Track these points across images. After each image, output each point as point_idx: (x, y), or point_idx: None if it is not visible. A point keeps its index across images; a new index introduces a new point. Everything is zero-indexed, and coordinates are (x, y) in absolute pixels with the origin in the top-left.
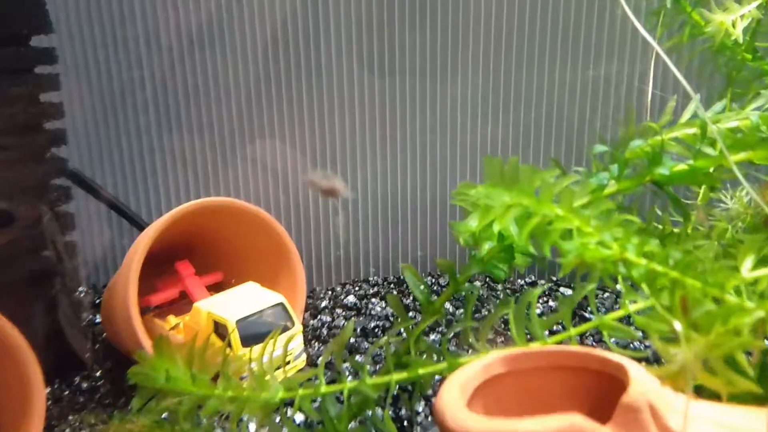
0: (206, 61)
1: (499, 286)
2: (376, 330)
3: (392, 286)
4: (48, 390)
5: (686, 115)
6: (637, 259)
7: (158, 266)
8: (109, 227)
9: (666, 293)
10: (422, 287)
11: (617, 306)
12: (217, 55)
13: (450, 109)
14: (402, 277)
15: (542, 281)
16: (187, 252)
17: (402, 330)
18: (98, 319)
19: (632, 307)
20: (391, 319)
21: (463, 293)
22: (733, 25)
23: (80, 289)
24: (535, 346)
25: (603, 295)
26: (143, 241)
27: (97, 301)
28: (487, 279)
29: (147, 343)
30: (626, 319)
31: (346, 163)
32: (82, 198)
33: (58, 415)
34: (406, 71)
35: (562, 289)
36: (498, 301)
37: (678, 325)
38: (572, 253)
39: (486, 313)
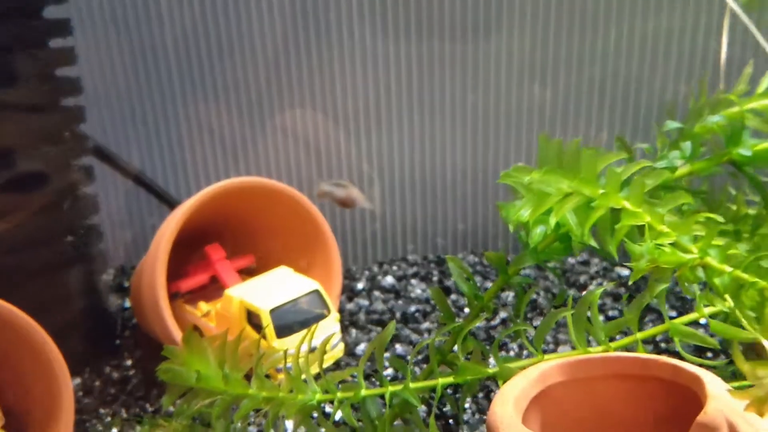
0: (231, 25)
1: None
2: (417, 315)
3: (432, 265)
4: (78, 381)
5: (765, 83)
6: (721, 265)
7: (187, 249)
8: (137, 204)
9: (754, 305)
10: (469, 281)
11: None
12: (242, 19)
13: (494, 69)
14: (442, 255)
15: (596, 260)
16: (217, 234)
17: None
18: (127, 304)
19: (707, 310)
20: (432, 302)
21: (514, 286)
22: None
23: (109, 271)
24: (596, 352)
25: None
26: (171, 224)
27: (126, 284)
28: None
29: (177, 333)
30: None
31: (381, 129)
32: (108, 174)
33: (88, 409)
34: (445, 28)
35: (617, 269)
36: (530, 288)
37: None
38: (645, 258)
39: (535, 296)
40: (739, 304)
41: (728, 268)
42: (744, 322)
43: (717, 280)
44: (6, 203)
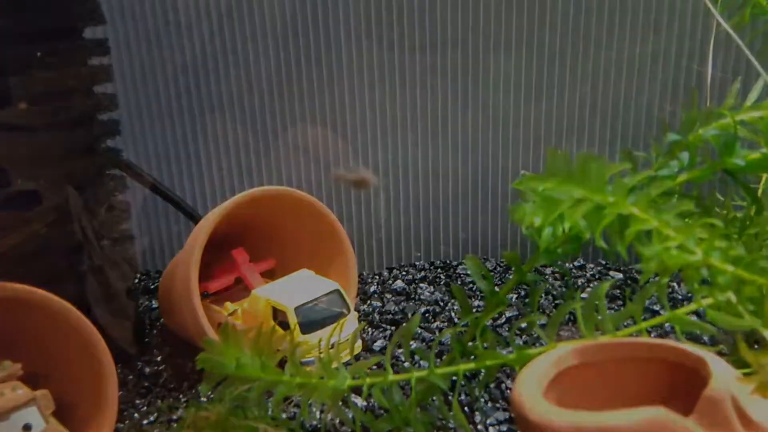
0: (237, 47)
1: (548, 269)
2: (427, 315)
3: (439, 270)
4: None
5: (752, 97)
6: (723, 265)
7: (211, 253)
8: (154, 213)
9: (754, 299)
10: (486, 278)
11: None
12: (248, 40)
13: (493, 87)
14: (448, 261)
15: (591, 264)
16: (238, 239)
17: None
18: (155, 305)
19: (705, 302)
20: (441, 303)
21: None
22: None
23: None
24: (605, 339)
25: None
26: (204, 229)
27: (152, 286)
28: None
29: (209, 329)
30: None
31: (387, 143)
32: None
33: (125, 400)
34: (448, 48)
35: (612, 272)
36: (542, 283)
37: None
38: (654, 260)
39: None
40: (741, 299)
41: (730, 268)
42: (745, 315)
43: (720, 279)
44: (49, 210)
